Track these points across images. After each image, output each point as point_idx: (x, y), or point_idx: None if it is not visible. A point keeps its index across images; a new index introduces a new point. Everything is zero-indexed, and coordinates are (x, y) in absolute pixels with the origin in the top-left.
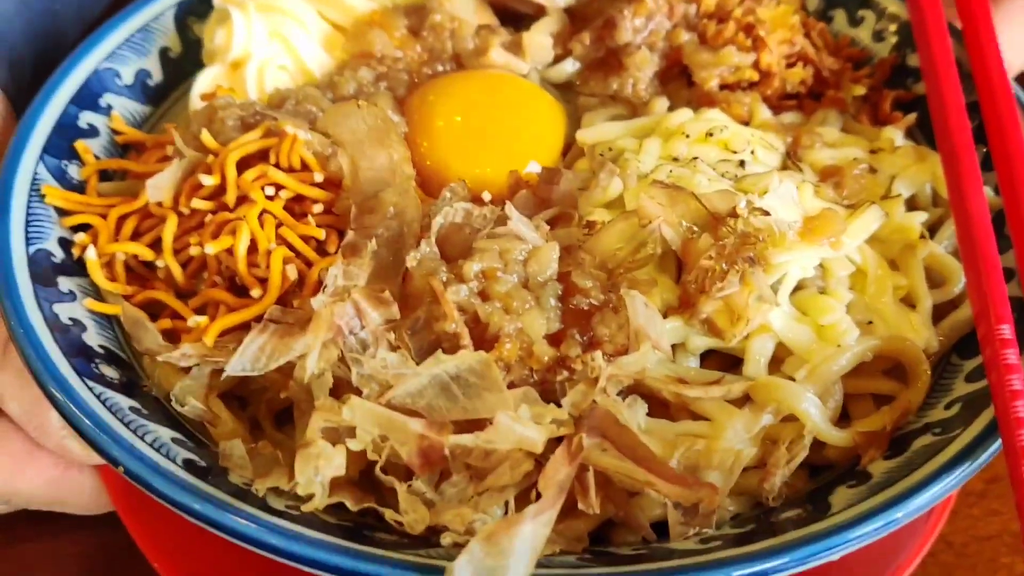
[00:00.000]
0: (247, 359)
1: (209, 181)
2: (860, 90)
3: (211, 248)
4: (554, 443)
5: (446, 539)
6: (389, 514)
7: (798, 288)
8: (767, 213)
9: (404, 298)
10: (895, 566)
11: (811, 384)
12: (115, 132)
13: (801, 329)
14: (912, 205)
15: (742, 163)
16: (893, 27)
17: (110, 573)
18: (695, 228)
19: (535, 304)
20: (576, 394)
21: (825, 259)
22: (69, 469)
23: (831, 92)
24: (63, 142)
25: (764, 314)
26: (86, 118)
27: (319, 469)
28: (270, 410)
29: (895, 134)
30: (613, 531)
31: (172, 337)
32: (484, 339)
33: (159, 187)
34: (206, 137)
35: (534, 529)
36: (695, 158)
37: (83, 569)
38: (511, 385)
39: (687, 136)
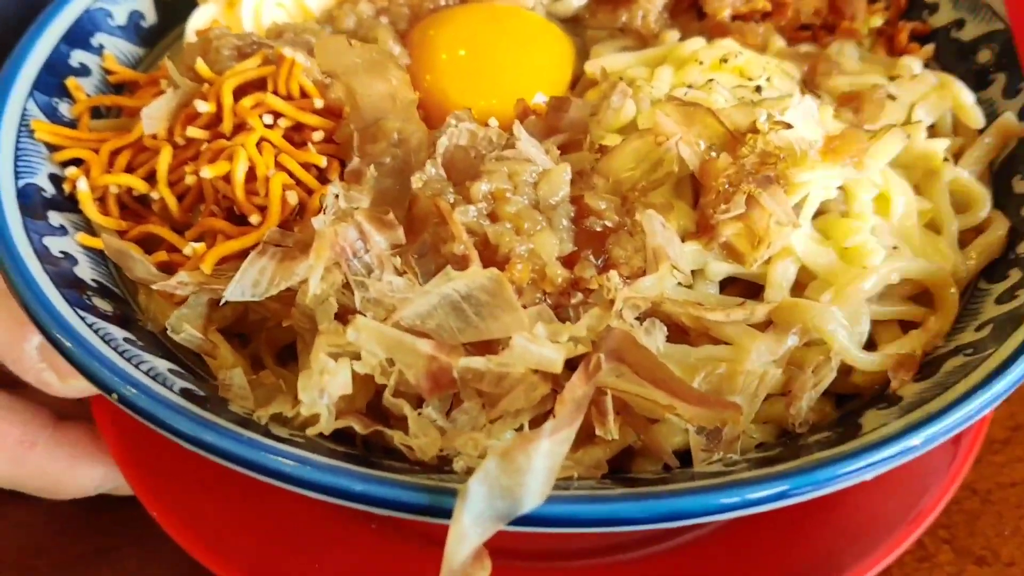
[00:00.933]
0: (246, 284)
1: (205, 107)
2: (876, 21)
3: (207, 172)
4: (568, 370)
5: (459, 463)
6: (399, 437)
7: (820, 212)
8: (790, 126)
9: (410, 223)
10: (918, 510)
11: (837, 307)
12: (107, 72)
13: (825, 252)
14: (932, 133)
15: (758, 89)
16: None
17: None
18: (713, 147)
19: (547, 225)
20: (591, 317)
21: (847, 181)
22: (33, 448)
23: (846, 23)
24: (54, 79)
25: (785, 236)
26: (77, 57)
27: (324, 387)
28: (271, 346)
29: (914, 63)
30: (633, 460)
31: (168, 270)
32: (494, 261)
33: (153, 117)
34: (201, 66)
35: (551, 447)
36: (711, 80)
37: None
38: (523, 307)
39: (701, 63)
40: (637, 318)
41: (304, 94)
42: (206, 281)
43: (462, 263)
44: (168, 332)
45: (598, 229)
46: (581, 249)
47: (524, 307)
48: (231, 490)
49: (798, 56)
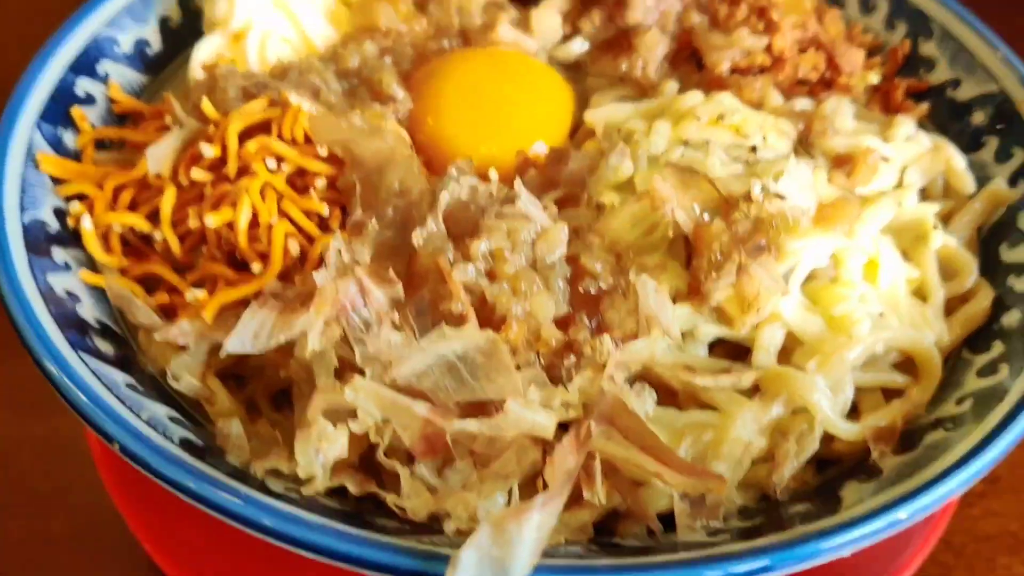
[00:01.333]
0: (246, 336)
1: (210, 151)
2: (873, 78)
3: (211, 220)
4: (560, 428)
5: (449, 526)
6: (391, 498)
7: (810, 277)
8: (782, 197)
9: (410, 277)
10: (896, 566)
11: (822, 375)
12: (112, 101)
13: (812, 319)
14: (924, 196)
15: (754, 148)
16: (905, 15)
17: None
18: (707, 212)
19: (543, 286)
20: (583, 379)
21: (838, 248)
22: None
23: (843, 79)
24: (60, 108)
25: (775, 302)
26: (83, 85)
27: (321, 450)
28: (268, 390)
29: (908, 123)
30: (618, 522)
31: (169, 312)
32: (490, 321)
33: (158, 157)
34: (207, 106)
35: (542, 519)
36: (707, 141)
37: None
38: (517, 369)
39: (698, 119)
40: (627, 380)
41: (308, 139)
42: (207, 330)
43: (459, 321)
44: (168, 379)
45: (593, 291)
46: (576, 310)
47: (518, 367)
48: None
49: (794, 114)
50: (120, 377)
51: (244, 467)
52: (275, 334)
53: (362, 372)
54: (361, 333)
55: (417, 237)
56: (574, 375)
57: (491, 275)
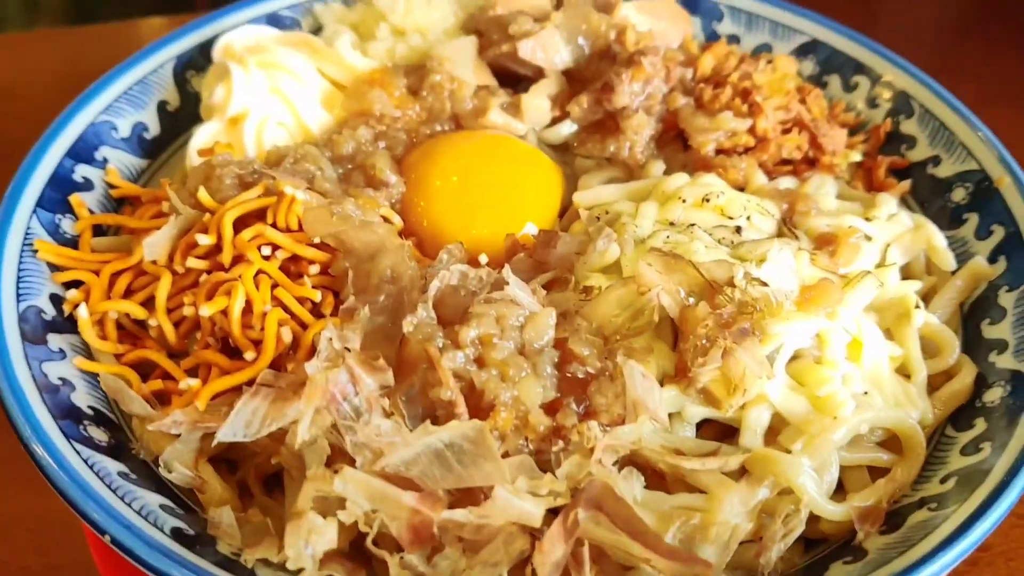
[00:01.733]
0: (239, 425)
1: (206, 240)
2: (855, 156)
3: (206, 310)
4: (549, 512)
5: None
6: None
7: (795, 357)
8: (764, 284)
9: (400, 363)
10: None
11: (808, 456)
12: (110, 186)
13: (797, 400)
14: (906, 274)
15: (739, 229)
16: (887, 94)
17: None
18: (692, 296)
19: (531, 371)
20: (571, 464)
21: (821, 329)
22: None
23: (826, 158)
24: (57, 195)
25: (760, 384)
26: (81, 171)
27: (310, 542)
28: (259, 475)
29: (889, 201)
30: None
31: (163, 398)
32: (480, 407)
33: (154, 246)
34: (203, 196)
35: None
36: (692, 224)
37: None
38: (506, 454)
39: (684, 201)
40: (615, 463)
41: (302, 227)
42: (200, 419)
43: (449, 408)
44: (160, 469)
45: (580, 376)
46: (564, 395)
47: (507, 453)
48: None
49: (778, 194)
50: (113, 466)
51: (235, 555)
52: (267, 423)
53: (352, 461)
54: (351, 421)
55: (408, 325)
56: (562, 460)
57: (480, 361)
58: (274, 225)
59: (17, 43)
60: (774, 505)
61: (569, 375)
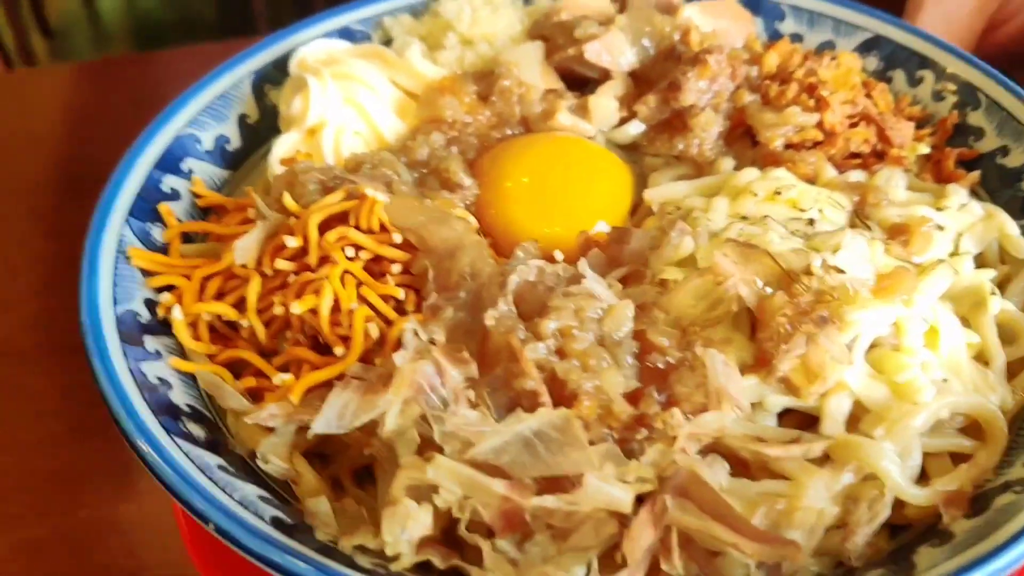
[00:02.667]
0: (332, 416)
1: (293, 242)
2: (923, 148)
3: (297, 308)
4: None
5: None
6: (476, 572)
7: (873, 346)
8: (841, 271)
9: (483, 357)
10: None
11: (890, 442)
12: (196, 196)
13: (877, 387)
14: (979, 262)
15: (811, 221)
16: (952, 87)
17: None
18: (769, 286)
19: (612, 362)
20: (655, 452)
21: (898, 317)
22: None
23: (894, 151)
24: (147, 205)
25: (840, 372)
26: (169, 182)
27: (407, 528)
28: (351, 468)
29: (959, 191)
30: None
31: (254, 395)
32: (562, 397)
33: (245, 249)
34: (288, 201)
35: None
36: (765, 216)
37: None
38: (589, 443)
39: (755, 195)
40: (699, 452)
41: (383, 228)
42: (295, 412)
43: (532, 398)
44: (257, 461)
45: (660, 366)
46: (645, 385)
47: (591, 442)
48: None
49: (848, 186)
50: (212, 459)
51: (332, 543)
52: (358, 414)
53: (441, 449)
54: (439, 411)
55: (489, 318)
56: (646, 448)
57: (560, 353)
58: (356, 227)
59: (91, 70)
60: (858, 491)
61: (649, 365)
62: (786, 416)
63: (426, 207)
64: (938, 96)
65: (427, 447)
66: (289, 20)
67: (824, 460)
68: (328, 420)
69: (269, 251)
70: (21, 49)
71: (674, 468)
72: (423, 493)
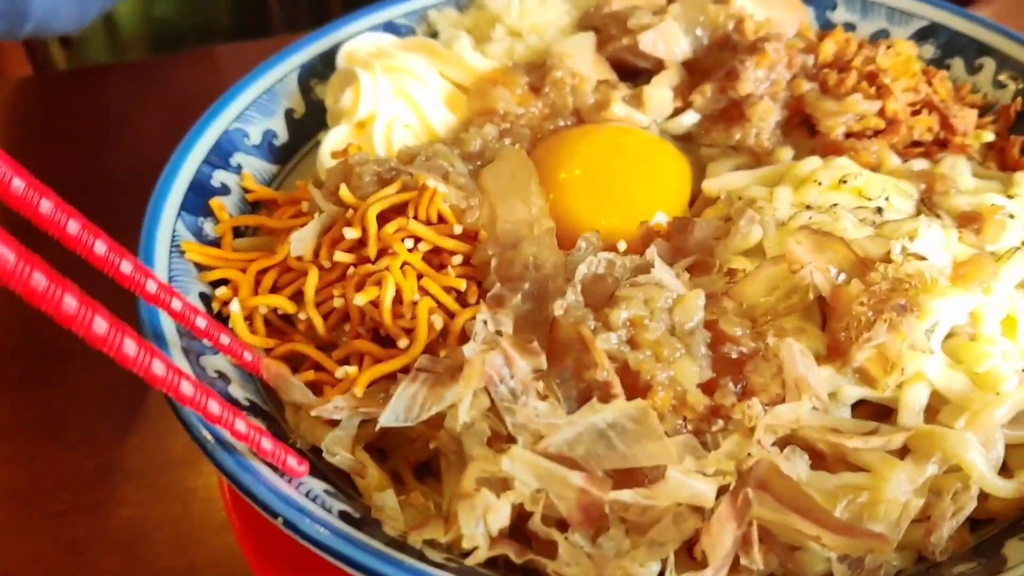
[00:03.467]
0: (400, 409)
1: (352, 234)
2: (988, 136)
3: (360, 299)
4: None
5: None
6: (553, 566)
7: (949, 335)
8: (922, 257)
9: (551, 347)
10: None
11: (973, 434)
12: (246, 190)
13: (957, 377)
14: None
15: (879, 210)
16: (1014, 73)
17: None
18: (843, 274)
19: (685, 352)
20: (731, 444)
21: (976, 305)
22: None
23: (958, 139)
24: (198, 200)
25: (918, 362)
26: (219, 177)
27: (486, 519)
28: (411, 462)
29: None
30: None
31: (315, 389)
32: (635, 388)
33: (302, 241)
34: (345, 193)
35: None
36: (834, 204)
37: None
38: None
39: (819, 184)
40: (774, 444)
41: (442, 219)
42: (360, 405)
43: (604, 389)
44: (323, 454)
45: (734, 356)
46: (719, 376)
47: (667, 434)
48: None
49: (914, 175)
50: None
51: (401, 538)
52: (427, 406)
53: (512, 440)
54: (509, 403)
55: (558, 308)
56: (721, 441)
57: (632, 343)
58: (415, 218)
59: (110, 73)
60: (941, 483)
61: (723, 355)
62: (858, 408)
63: (513, 157)
64: (999, 83)
65: (495, 441)
66: (304, 23)
67: (902, 453)
68: (396, 413)
69: (326, 243)
70: (39, 58)
71: (755, 460)
72: (494, 486)
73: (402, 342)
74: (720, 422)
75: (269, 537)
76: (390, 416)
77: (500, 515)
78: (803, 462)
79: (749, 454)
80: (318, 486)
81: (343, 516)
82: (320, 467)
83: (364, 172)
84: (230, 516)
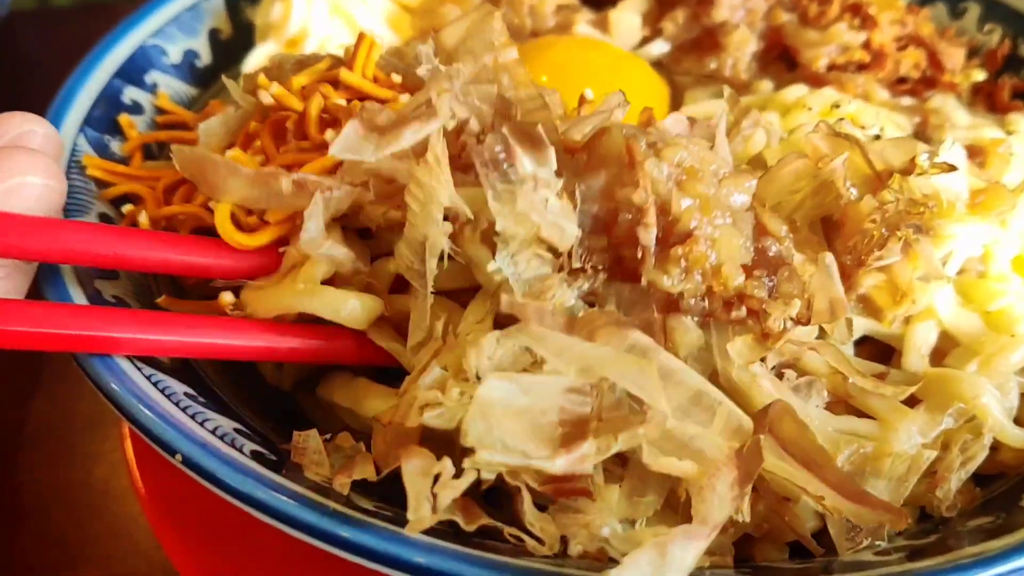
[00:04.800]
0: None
1: (268, 99)
2: (978, 74)
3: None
4: None
5: (575, 547)
6: (511, 529)
7: (958, 272)
8: (952, 167)
9: (590, 156)
10: None
11: (987, 378)
12: (160, 111)
13: (969, 316)
14: None
15: (877, 137)
16: (1000, 16)
17: None
18: (855, 188)
19: (732, 223)
20: (743, 345)
21: (990, 239)
22: None
23: (947, 76)
24: (105, 116)
25: (929, 296)
26: (130, 94)
27: (436, 496)
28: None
29: (1020, 120)
30: (753, 546)
31: None
32: (669, 235)
33: (210, 129)
34: (264, 80)
35: (701, 544)
36: (841, 119)
37: None
38: (674, 305)
39: (809, 109)
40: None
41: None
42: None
43: (637, 216)
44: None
45: (772, 253)
46: (756, 267)
47: (674, 304)
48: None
49: (906, 109)
50: (179, 387)
51: (326, 483)
52: (382, 146)
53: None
54: (503, 182)
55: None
56: (731, 334)
57: (680, 187)
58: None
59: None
60: (950, 434)
61: (763, 248)
62: (860, 346)
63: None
64: (984, 27)
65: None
66: None
67: (911, 399)
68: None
69: (242, 137)
70: None
71: (772, 404)
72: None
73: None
74: (743, 310)
75: (176, 501)
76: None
77: (455, 487)
78: (819, 400)
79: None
80: (228, 424)
81: (256, 456)
82: (234, 408)
83: (286, 61)
84: (132, 477)
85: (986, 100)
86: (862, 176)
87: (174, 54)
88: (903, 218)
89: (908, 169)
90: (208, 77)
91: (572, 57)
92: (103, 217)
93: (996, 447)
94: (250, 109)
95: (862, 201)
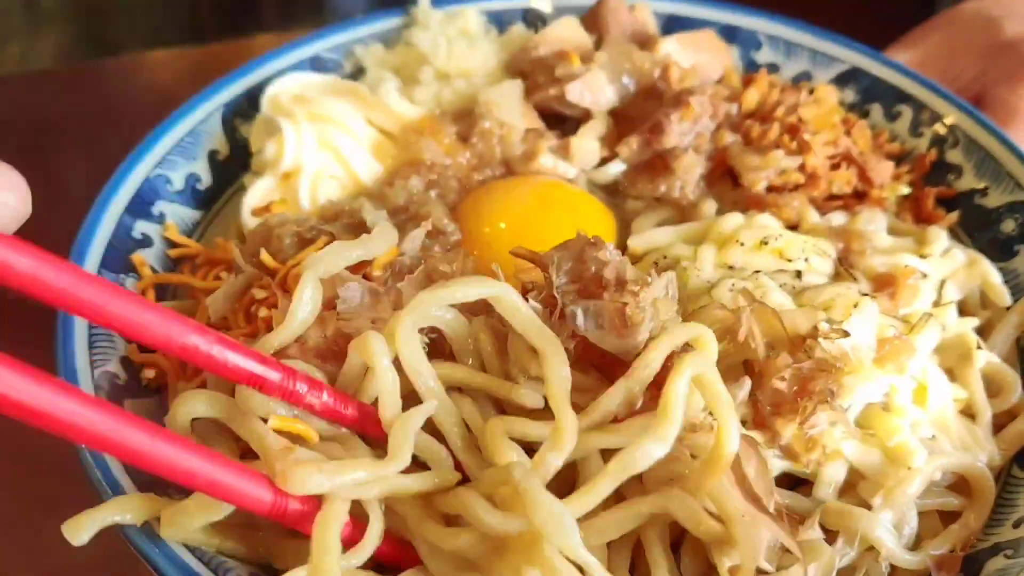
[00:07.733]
0: None
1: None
2: (903, 189)
3: None
4: None
5: None
6: None
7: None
8: (847, 334)
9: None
10: None
11: (887, 510)
12: (169, 241)
13: (871, 452)
14: (961, 309)
15: (799, 273)
16: (931, 122)
17: None
18: (771, 346)
19: None
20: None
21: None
22: None
23: (875, 191)
24: (119, 255)
25: (837, 440)
26: (140, 227)
27: None
28: None
29: (941, 235)
30: None
31: None
32: None
33: (216, 302)
34: (266, 258)
35: None
36: (757, 271)
37: None
38: None
39: (742, 244)
40: None
41: None
42: None
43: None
44: None
45: None
46: None
47: None
48: None
49: (832, 232)
50: None
51: None
52: None
53: None
54: None
55: None
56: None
57: None
58: None
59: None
60: (855, 561)
61: None
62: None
63: None
64: (916, 131)
65: None
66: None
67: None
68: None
69: (242, 307)
70: None
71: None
72: None
73: None
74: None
75: None
76: None
77: None
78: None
79: None
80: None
81: None
82: None
83: (284, 234)
84: None
85: (913, 208)
86: (778, 335)
87: (177, 181)
88: (814, 378)
89: (812, 334)
90: (209, 199)
91: (527, 198)
92: (124, 361)
93: (893, 568)
94: (251, 276)
95: (779, 358)
